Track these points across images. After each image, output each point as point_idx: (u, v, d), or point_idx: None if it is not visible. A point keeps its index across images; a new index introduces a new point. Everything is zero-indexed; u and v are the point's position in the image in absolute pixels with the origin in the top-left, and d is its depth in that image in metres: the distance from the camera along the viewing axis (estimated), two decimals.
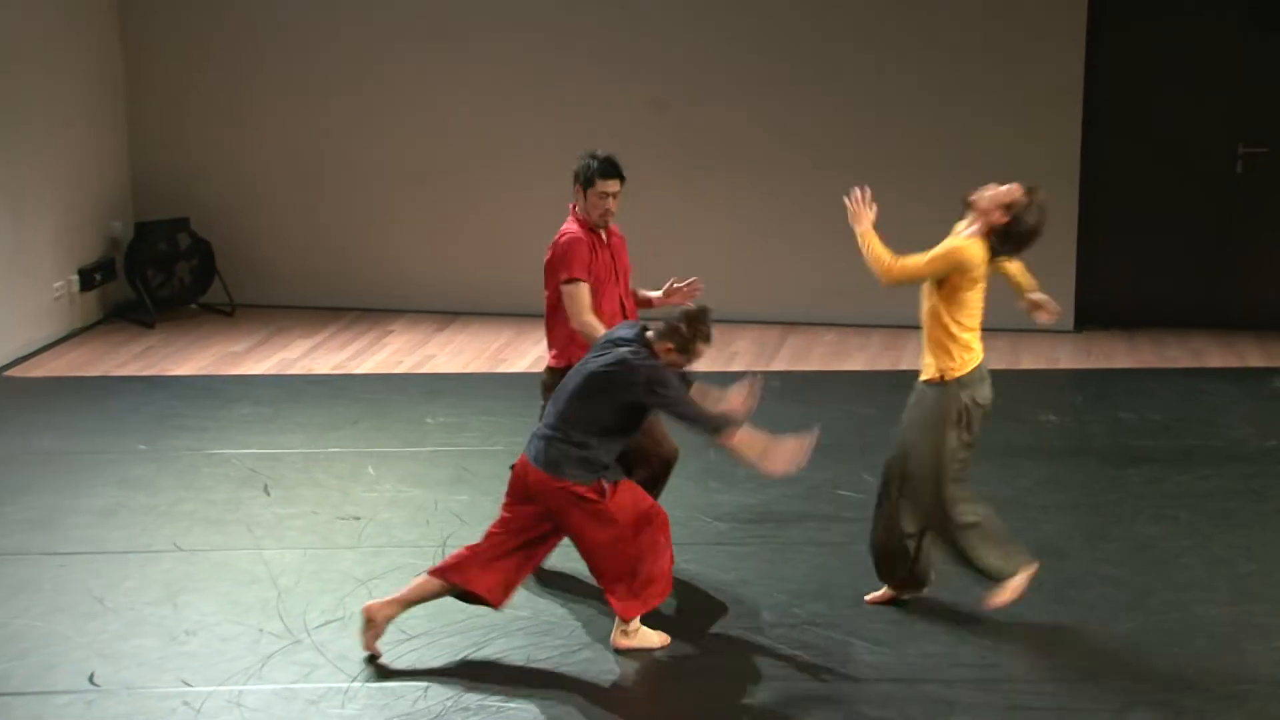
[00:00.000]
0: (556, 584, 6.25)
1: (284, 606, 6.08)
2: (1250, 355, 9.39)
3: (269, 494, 7.27)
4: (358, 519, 6.96)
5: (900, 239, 9.88)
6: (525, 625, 5.89)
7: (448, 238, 10.42)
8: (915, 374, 9.16)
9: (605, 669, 5.59)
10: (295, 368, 9.35)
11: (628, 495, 5.63)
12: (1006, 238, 5.94)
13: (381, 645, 5.73)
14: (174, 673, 5.58)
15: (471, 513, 6.99)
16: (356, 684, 5.50)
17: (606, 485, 5.58)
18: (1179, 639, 5.75)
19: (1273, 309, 9.80)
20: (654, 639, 5.71)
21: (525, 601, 6.06)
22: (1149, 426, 8.14)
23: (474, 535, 6.68)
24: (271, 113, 10.45)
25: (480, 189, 10.34)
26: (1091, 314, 9.98)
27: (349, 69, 10.29)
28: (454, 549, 6.54)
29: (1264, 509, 6.99)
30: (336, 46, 10.28)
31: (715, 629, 5.88)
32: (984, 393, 5.89)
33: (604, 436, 5.55)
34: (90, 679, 5.55)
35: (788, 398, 8.68)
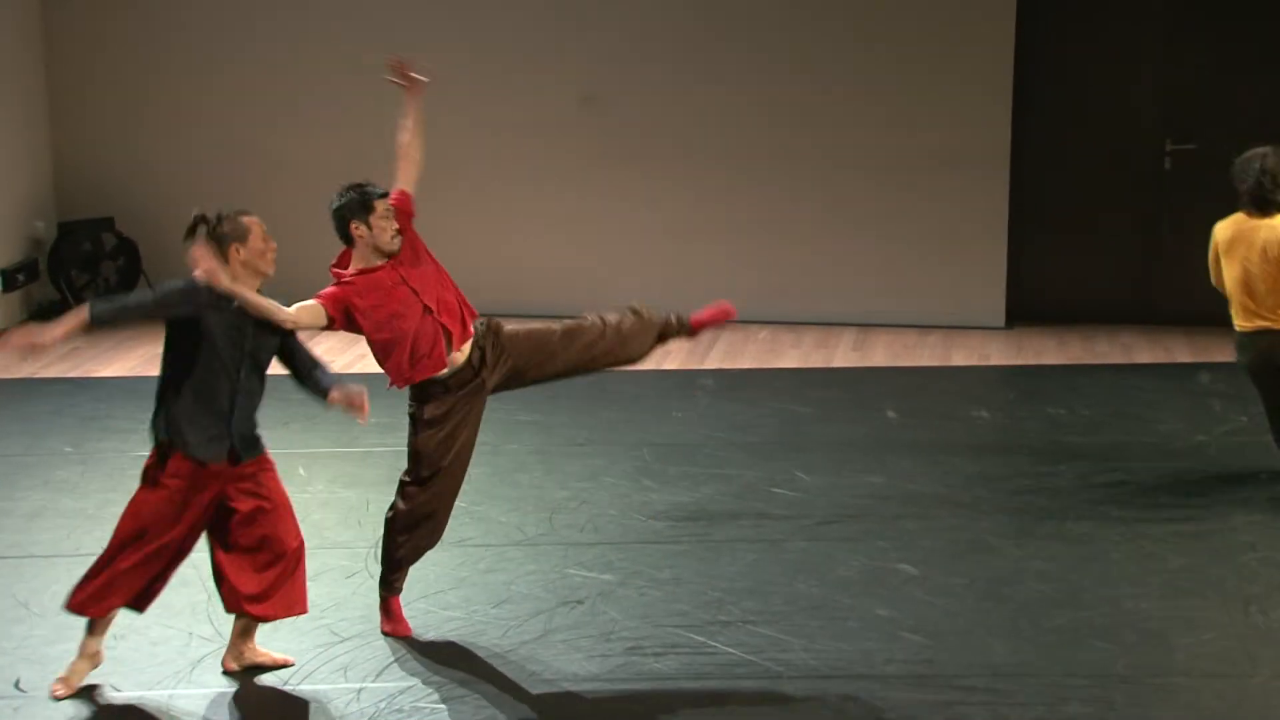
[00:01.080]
0: (488, 583, 6.24)
1: (214, 610, 6.02)
2: (1179, 351, 9.51)
3: None
4: None
5: (825, 235, 10.01)
6: (459, 625, 5.88)
7: None
8: (846, 371, 9.29)
9: (539, 669, 5.59)
10: None
11: None
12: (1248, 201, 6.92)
13: (314, 647, 5.72)
14: (103, 677, 5.52)
15: None
16: (289, 687, 5.47)
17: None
18: (1110, 633, 5.81)
19: (1201, 305, 9.88)
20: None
21: (458, 601, 6.05)
22: (1079, 422, 8.23)
23: None
24: (196, 110, 10.37)
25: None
26: (1022, 310, 10.08)
27: (274, 66, 10.24)
28: None
29: (1193, 504, 7.08)
30: (259, 44, 10.23)
31: (650, 627, 5.88)
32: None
33: None
34: (16, 684, 5.49)
35: (722, 396, 8.72)
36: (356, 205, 5.61)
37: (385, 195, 5.64)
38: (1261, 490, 7.21)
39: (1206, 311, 9.92)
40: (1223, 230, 7.02)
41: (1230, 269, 6.95)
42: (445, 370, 5.64)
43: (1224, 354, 9.41)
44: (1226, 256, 6.97)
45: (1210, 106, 9.77)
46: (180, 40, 10.28)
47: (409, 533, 5.74)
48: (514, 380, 5.83)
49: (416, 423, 5.71)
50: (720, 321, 6.31)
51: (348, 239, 5.67)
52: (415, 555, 5.83)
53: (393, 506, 5.79)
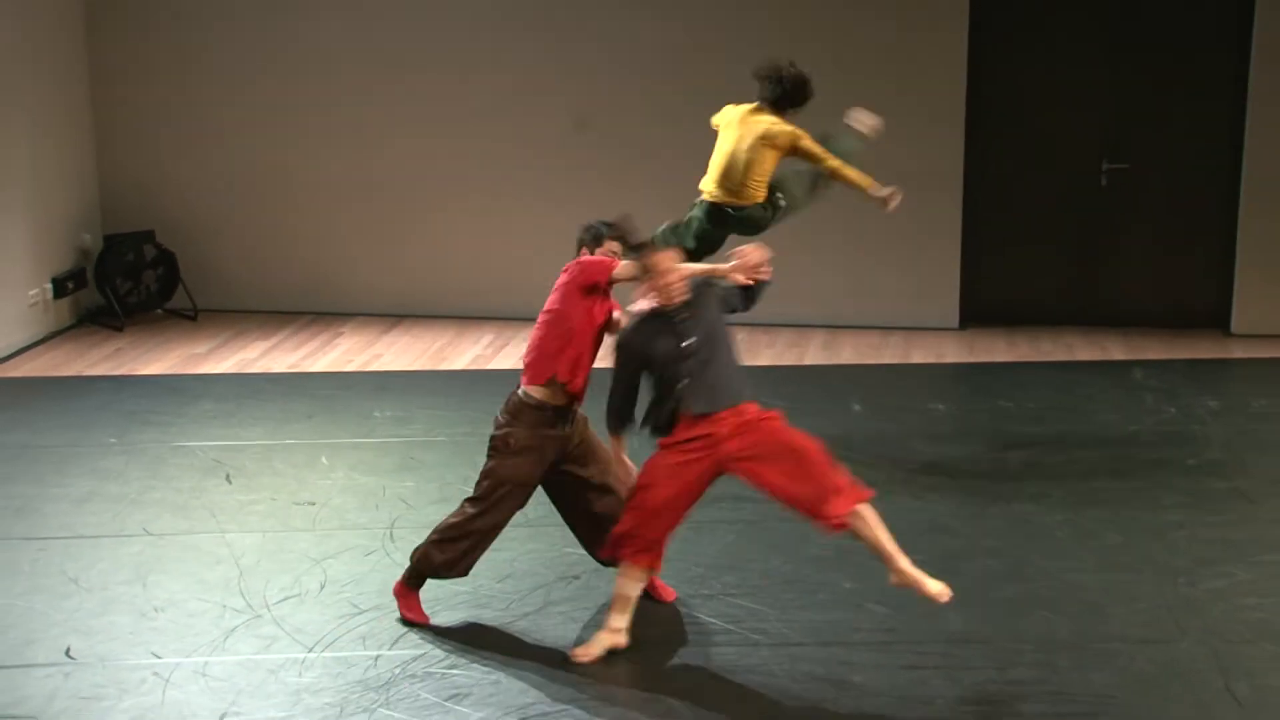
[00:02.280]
0: (492, 561, 6.23)
1: (245, 584, 6.04)
2: (1114, 349, 9.53)
3: (231, 482, 7.21)
4: (312, 504, 6.92)
5: (797, 245, 10.01)
6: (466, 599, 5.88)
7: (394, 246, 10.38)
8: (817, 368, 9.30)
9: (539, 638, 5.59)
10: (254, 367, 9.28)
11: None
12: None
13: (335, 619, 5.71)
14: (144, 646, 5.53)
15: (417, 498, 6.97)
16: (312, 654, 5.47)
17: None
18: (1053, 604, 5.83)
19: (1133, 308, 9.96)
20: None
21: (466, 578, 6.04)
22: (1026, 414, 8.24)
23: (420, 518, 6.71)
24: (229, 132, 10.36)
25: (422, 200, 10.31)
26: (974, 313, 10.09)
27: (299, 90, 10.23)
28: (401, 531, 6.55)
29: (1127, 486, 7.10)
30: (287, 71, 10.22)
31: (643, 599, 5.87)
32: None
33: None
34: (67, 652, 5.49)
35: None
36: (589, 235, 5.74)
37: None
38: (1187, 475, 7.23)
39: (1139, 314, 10.00)
40: (732, 111, 7.41)
41: (722, 144, 7.33)
42: (562, 399, 5.51)
43: (1156, 352, 9.45)
44: (724, 130, 7.39)
45: (1141, 130, 9.79)
46: (215, 67, 10.26)
47: (448, 545, 5.60)
48: (555, 464, 5.65)
49: (501, 447, 5.55)
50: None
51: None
52: (442, 572, 5.66)
53: (448, 523, 5.64)
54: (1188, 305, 9.95)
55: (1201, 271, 9.88)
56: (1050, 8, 9.78)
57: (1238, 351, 9.47)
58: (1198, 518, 6.68)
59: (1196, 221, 9.82)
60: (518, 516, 6.58)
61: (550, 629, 5.65)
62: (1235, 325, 9.78)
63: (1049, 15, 9.78)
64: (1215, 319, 9.87)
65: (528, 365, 5.58)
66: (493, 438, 5.61)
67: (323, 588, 5.99)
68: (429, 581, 5.76)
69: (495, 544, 6.38)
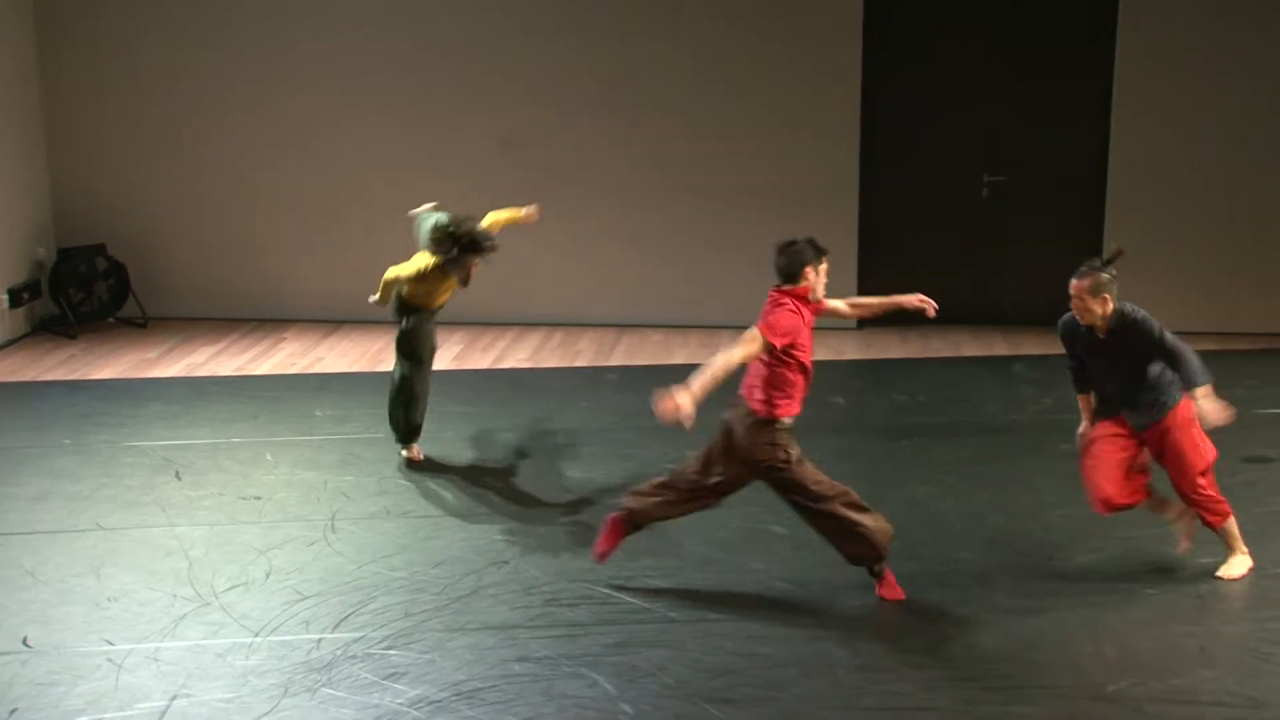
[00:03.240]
0: (427, 548, 6.21)
1: (194, 575, 5.96)
2: (997, 346, 9.66)
3: (180, 479, 7.12)
4: (258, 498, 6.85)
5: (708, 254, 10.07)
6: (403, 584, 5.84)
7: (333, 255, 10.29)
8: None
9: (471, 619, 5.57)
10: (201, 370, 9.16)
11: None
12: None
13: (280, 605, 5.66)
14: (99, 634, 5.44)
15: (356, 491, 6.92)
16: (258, 639, 5.41)
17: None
18: (944, 580, 5.89)
19: (1014, 308, 10.10)
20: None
21: (402, 564, 6.02)
22: (918, 406, 8.33)
23: (360, 509, 6.67)
24: (175, 150, 10.23)
25: (361, 211, 10.23)
26: None
27: (242, 108, 10.12)
28: (342, 523, 6.50)
29: (1009, 471, 7.20)
30: (231, 89, 10.10)
31: (565, 582, 5.88)
32: None
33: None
34: (24, 641, 5.39)
35: (625, 388, 8.73)
36: (813, 253, 5.70)
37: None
38: (1062, 460, 7.33)
39: (1019, 313, 10.14)
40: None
41: None
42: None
43: (1034, 348, 9.59)
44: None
45: (1016, 147, 9.95)
46: (162, 85, 10.12)
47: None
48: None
49: (786, 464, 5.68)
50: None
51: (794, 279, 5.67)
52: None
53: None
54: (1062, 304, 10.08)
55: (1073, 273, 10.01)
56: (937, 35, 9.90)
57: None
58: (1071, 498, 6.78)
59: (1067, 227, 9.98)
60: (452, 506, 6.56)
61: (481, 610, 5.63)
62: None
63: (936, 42, 9.91)
64: None
65: (790, 400, 5.72)
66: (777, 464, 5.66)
67: (268, 576, 5.93)
68: (341, 570, 5.71)
69: (429, 533, 6.38)
